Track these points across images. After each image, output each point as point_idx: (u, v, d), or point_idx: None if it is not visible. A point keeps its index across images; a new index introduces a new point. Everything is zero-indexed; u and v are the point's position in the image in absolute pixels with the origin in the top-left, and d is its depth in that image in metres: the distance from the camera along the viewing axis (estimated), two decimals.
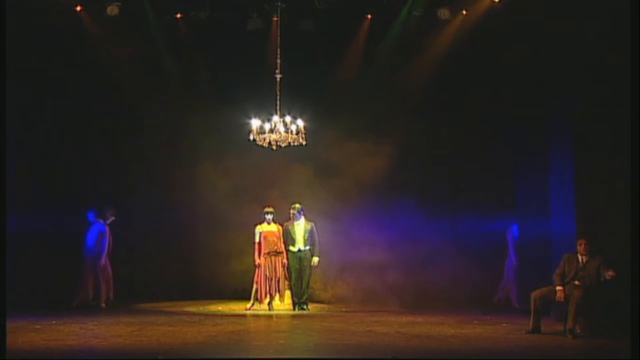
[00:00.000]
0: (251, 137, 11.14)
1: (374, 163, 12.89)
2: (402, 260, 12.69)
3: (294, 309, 11.91)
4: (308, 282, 12.07)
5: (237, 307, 12.12)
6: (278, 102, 11.49)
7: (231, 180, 13.17)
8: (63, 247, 12.28)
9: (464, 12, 12.42)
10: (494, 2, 11.86)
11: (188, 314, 11.24)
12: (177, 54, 13.37)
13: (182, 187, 13.51)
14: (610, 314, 8.92)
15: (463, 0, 12.28)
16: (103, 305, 12.18)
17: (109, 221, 12.44)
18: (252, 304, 11.88)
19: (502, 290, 12.40)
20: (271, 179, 13.15)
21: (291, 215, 12.07)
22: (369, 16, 12.77)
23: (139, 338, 8.62)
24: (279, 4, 12.14)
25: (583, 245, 9.22)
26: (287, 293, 12.11)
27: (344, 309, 12.16)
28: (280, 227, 12.04)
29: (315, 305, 12.50)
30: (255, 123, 11.13)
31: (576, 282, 9.15)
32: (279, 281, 11.87)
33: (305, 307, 11.95)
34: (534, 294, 9.26)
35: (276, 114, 11.31)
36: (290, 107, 11.47)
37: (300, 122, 11.18)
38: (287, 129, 11.16)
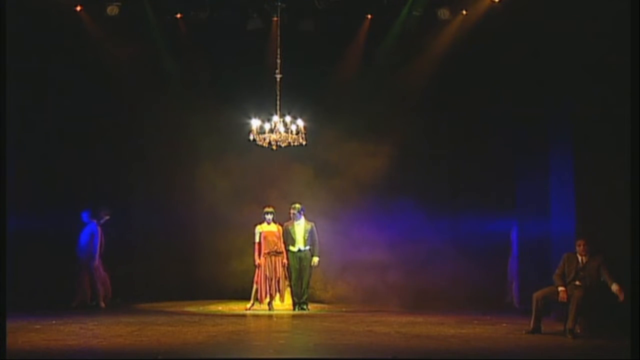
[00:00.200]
0: (251, 137, 11.14)
1: (373, 163, 12.90)
2: (402, 260, 12.69)
3: (294, 309, 11.91)
4: (308, 282, 12.07)
5: (237, 307, 12.12)
6: (278, 102, 11.49)
7: (231, 180, 13.17)
8: (63, 247, 12.28)
9: (464, 12, 12.42)
10: (494, 2, 11.86)
11: (188, 314, 11.24)
12: (177, 54, 13.38)
13: (182, 187, 13.51)
14: (610, 314, 8.91)
15: (463, 0, 12.29)
16: (102, 304, 12.19)
17: (102, 221, 12.42)
18: (252, 304, 11.88)
19: (511, 290, 12.33)
20: (271, 179, 13.15)
21: (291, 215, 12.07)
22: (369, 16, 12.77)
23: (139, 338, 8.62)
24: (279, 4, 12.14)
25: (582, 246, 9.21)
26: (287, 293, 12.11)
27: (344, 309, 12.16)
28: (280, 227, 12.04)
29: (316, 305, 12.50)
30: (255, 123, 11.13)
31: (577, 283, 9.15)
32: (279, 281, 11.87)
33: (305, 307, 11.95)
34: (536, 295, 9.25)
35: (276, 114, 11.32)
36: (290, 107, 11.47)
37: (300, 122, 11.18)
38: (287, 129, 11.16)
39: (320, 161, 13.15)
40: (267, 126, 11.11)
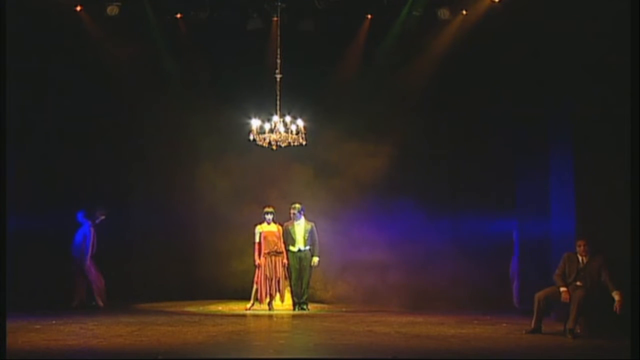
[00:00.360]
0: (251, 137, 11.14)
1: (373, 163, 12.90)
2: (402, 260, 12.69)
3: (294, 309, 11.91)
4: (308, 282, 12.07)
5: (237, 307, 12.12)
6: (278, 102, 11.49)
7: (231, 180, 13.17)
8: (63, 247, 12.27)
9: (464, 12, 12.41)
10: (494, 2, 11.86)
11: (188, 314, 11.24)
12: (177, 54, 13.37)
13: (182, 187, 13.52)
14: (610, 314, 8.91)
15: (463, 0, 12.29)
16: (101, 303, 12.18)
17: (98, 221, 12.40)
18: (252, 304, 11.88)
19: (512, 290, 12.28)
20: (271, 179, 13.15)
21: (291, 215, 12.07)
22: (369, 16, 12.77)
23: (139, 338, 8.62)
24: (279, 4, 12.14)
25: (582, 246, 9.21)
26: (287, 293, 12.11)
27: (344, 309, 12.16)
28: (280, 227, 12.04)
29: (316, 305, 12.50)
30: (255, 123, 11.13)
31: (578, 283, 9.15)
32: (279, 281, 11.87)
33: (305, 307, 11.94)
34: (538, 295, 9.24)
35: (276, 114, 11.31)
36: (290, 107, 11.47)
37: (300, 122, 11.18)
38: (287, 129, 11.15)
39: (320, 161, 13.15)
40: (267, 126, 11.10)
